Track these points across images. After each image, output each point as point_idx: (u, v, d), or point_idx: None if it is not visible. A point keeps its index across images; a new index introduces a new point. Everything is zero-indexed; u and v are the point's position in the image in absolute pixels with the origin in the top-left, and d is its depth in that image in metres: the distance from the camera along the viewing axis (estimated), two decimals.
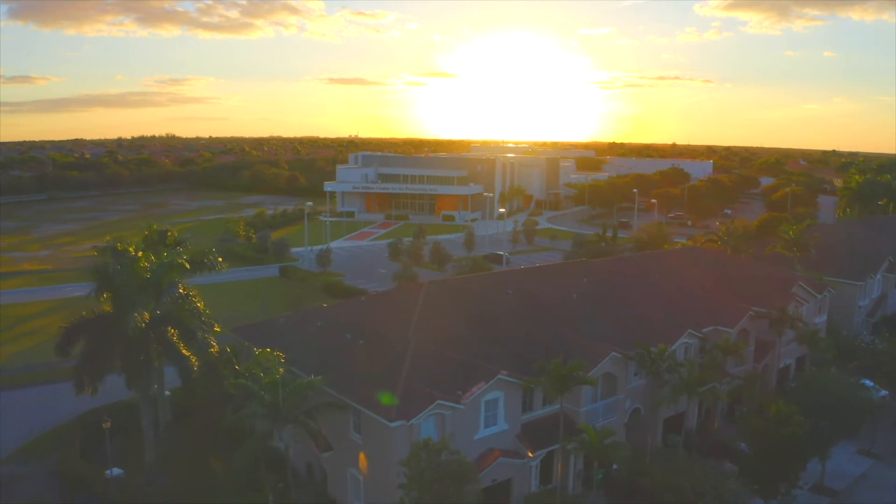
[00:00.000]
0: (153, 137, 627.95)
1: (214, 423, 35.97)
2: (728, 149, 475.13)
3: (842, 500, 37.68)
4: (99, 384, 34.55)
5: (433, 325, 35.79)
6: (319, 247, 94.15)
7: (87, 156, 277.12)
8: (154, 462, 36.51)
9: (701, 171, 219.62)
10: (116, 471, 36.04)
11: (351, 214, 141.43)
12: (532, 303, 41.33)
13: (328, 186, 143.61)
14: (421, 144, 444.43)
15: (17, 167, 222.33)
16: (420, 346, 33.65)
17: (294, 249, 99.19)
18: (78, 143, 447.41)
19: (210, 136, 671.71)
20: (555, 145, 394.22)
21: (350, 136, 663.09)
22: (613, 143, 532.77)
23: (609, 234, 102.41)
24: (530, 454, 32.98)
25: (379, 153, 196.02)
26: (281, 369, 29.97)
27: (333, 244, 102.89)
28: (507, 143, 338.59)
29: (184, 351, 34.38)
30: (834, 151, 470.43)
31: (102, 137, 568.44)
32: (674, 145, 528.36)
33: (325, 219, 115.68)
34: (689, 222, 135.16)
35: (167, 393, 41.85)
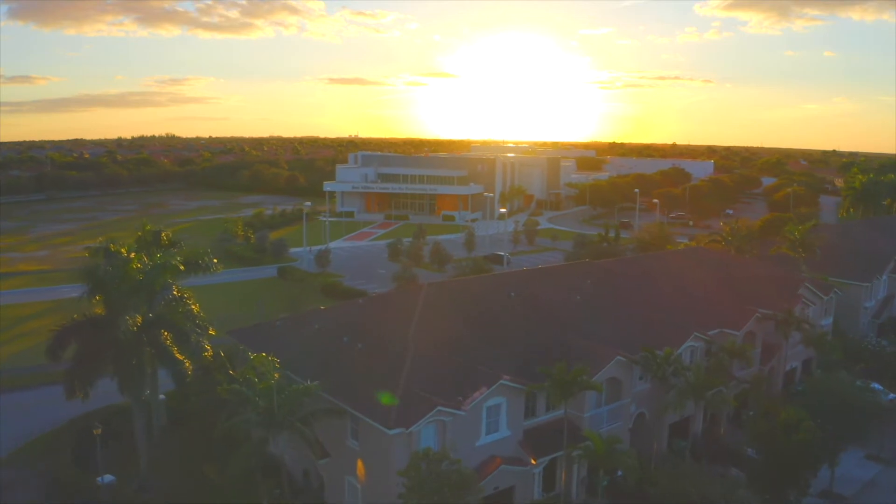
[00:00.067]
0: (153, 137, 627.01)
1: (209, 429, 35.06)
2: (728, 149, 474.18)
3: None
4: (90, 389, 33.75)
5: (433, 328, 34.91)
6: (318, 247, 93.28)
7: (87, 156, 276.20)
8: (147, 468, 35.69)
9: (702, 170, 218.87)
10: (108, 478, 35.18)
11: (350, 214, 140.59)
12: (534, 305, 40.47)
13: (327, 186, 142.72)
14: (421, 144, 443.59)
15: (15, 167, 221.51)
16: (420, 350, 32.78)
17: (293, 250, 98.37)
18: (78, 143, 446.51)
19: (210, 136, 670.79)
20: (555, 145, 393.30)
21: (350, 136, 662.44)
22: (614, 143, 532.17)
23: (611, 234, 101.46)
24: (533, 461, 32.11)
25: (379, 153, 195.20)
26: (276, 374, 29.06)
27: (332, 244, 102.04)
28: (508, 143, 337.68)
29: (177, 355, 33.56)
30: (834, 151, 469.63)
31: (102, 137, 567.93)
32: (674, 145, 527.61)
33: (325, 219, 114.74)
34: (691, 222, 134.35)
35: (162, 397, 41.04)
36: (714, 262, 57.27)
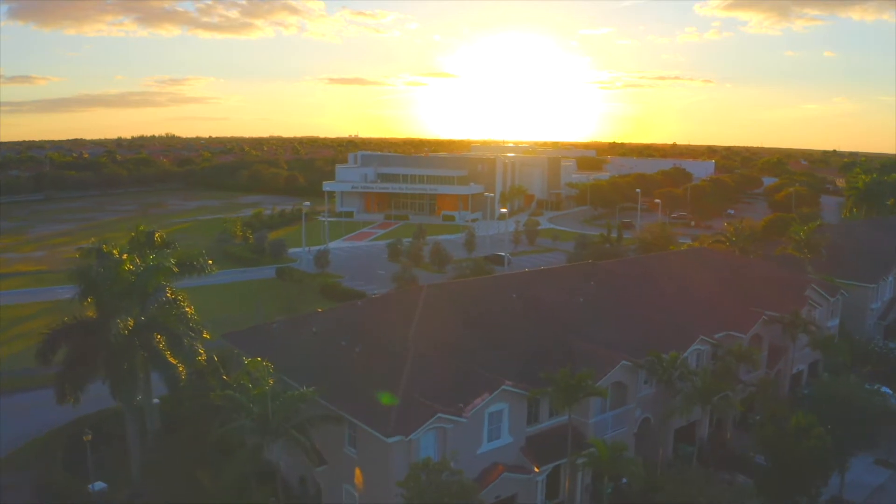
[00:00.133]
0: (153, 137, 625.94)
1: (203, 434, 34.26)
2: (729, 149, 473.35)
3: None
4: (80, 393, 32.91)
5: (433, 331, 34.06)
6: (317, 247, 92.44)
7: (86, 156, 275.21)
8: (140, 475, 34.82)
9: (703, 170, 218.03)
10: (100, 485, 34.30)
11: (350, 214, 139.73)
12: (536, 307, 39.64)
13: (327, 186, 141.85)
14: (421, 144, 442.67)
15: (14, 167, 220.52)
16: (419, 354, 31.90)
17: (291, 250, 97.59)
18: (77, 143, 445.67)
19: (210, 136, 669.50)
20: (555, 145, 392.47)
21: (350, 136, 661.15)
22: (614, 142, 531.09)
23: (614, 234, 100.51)
24: (536, 469, 31.20)
25: (378, 153, 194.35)
26: (270, 380, 28.17)
27: (332, 245, 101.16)
28: (508, 142, 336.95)
29: (170, 359, 32.68)
30: (834, 151, 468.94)
31: (102, 137, 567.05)
32: (674, 145, 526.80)
33: (324, 219, 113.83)
34: (693, 222, 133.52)
35: (156, 401, 40.19)
36: (718, 263, 56.45)
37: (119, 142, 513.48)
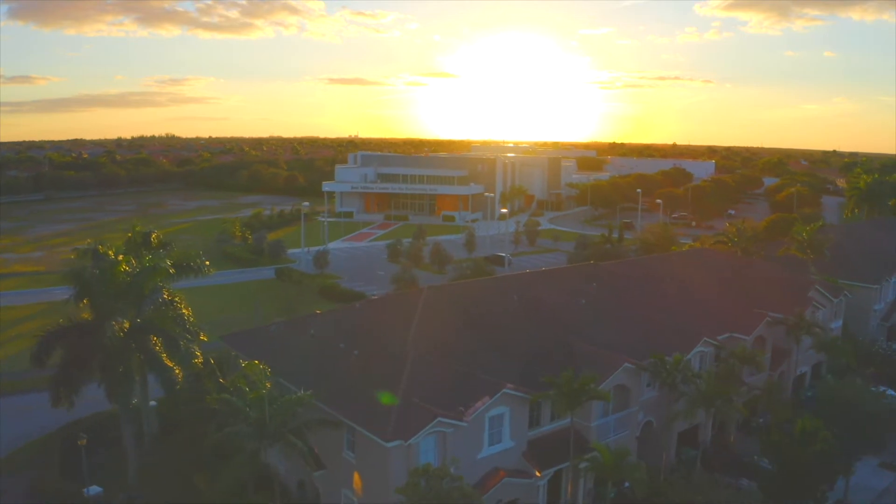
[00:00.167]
0: (153, 137, 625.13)
1: (200, 437, 33.78)
2: (729, 149, 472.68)
3: None
4: (75, 396, 32.48)
5: (433, 333, 33.58)
6: (316, 248, 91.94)
7: (85, 156, 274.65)
8: (136, 478, 34.36)
9: (703, 171, 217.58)
10: (95, 489, 33.78)
11: (349, 215, 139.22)
12: (537, 309, 39.15)
13: (326, 186, 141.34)
14: (421, 144, 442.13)
15: (13, 167, 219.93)
16: (419, 356, 31.41)
17: (291, 251, 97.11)
18: (77, 144, 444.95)
19: (210, 137, 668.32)
20: (555, 145, 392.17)
21: (350, 136, 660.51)
22: (614, 143, 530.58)
23: (615, 235, 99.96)
24: (538, 473, 30.72)
25: (378, 153, 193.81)
26: (268, 384, 27.68)
27: (331, 245, 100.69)
28: (508, 143, 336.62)
29: (167, 361, 32.21)
30: (834, 152, 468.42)
31: (102, 138, 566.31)
32: (674, 145, 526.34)
33: (323, 219, 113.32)
34: (693, 223, 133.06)
35: (153, 403, 39.69)
36: (720, 263, 56.01)
37: (119, 142, 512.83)
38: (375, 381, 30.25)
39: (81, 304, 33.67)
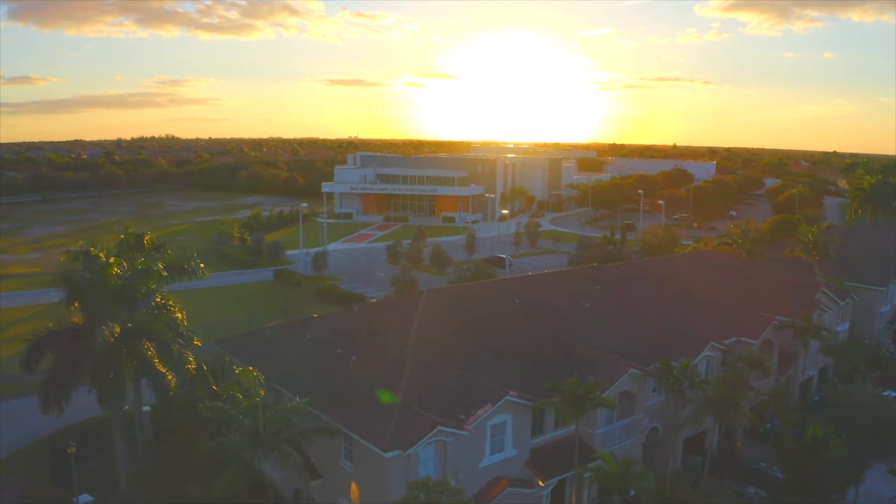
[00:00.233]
0: (153, 138, 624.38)
1: (194, 444, 32.89)
2: (729, 150, 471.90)
3: None
4: (65, 402, 31.52)
5: (433, 338, 32.68)
6: (315, 249, 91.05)
7: (84, 157, 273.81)
8: (127, 486, 33.44)
9: (704, 171, 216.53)
10: (86, 497, 32.93)
11: (349, 216, 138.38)
12: (540, 312, 38.25)
13: (326, 187, 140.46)
14: (421, 145, 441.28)
15: (12, 168, 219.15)
16: (418, 362, 30.51)
17: (289, 252, 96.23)
18: (77, 144, 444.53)
19: (210, 137, 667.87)
20: (556, 146, 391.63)
21: (350, 136, 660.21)
22: (614, 143, 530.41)
23: (617, 236, 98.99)
24: (541, 483, 29.79)
25: (378, 153, 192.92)
26: (262, 391, 26.76)
27: (330, 246, 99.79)
28: (508, 143, 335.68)
29: (159, 367, 31.30)
30: (835, 153, 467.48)
31: (102, 138, 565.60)
32: (675, 146, 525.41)
33: (323, 220, 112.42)
34: (695, 224, 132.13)
35: (146, 408, 38.81)
36: (725, 265, 55.16)
37: (119, 143, 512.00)
38: (374, 387, 29.35)
39: (73, 308, 32.79)
